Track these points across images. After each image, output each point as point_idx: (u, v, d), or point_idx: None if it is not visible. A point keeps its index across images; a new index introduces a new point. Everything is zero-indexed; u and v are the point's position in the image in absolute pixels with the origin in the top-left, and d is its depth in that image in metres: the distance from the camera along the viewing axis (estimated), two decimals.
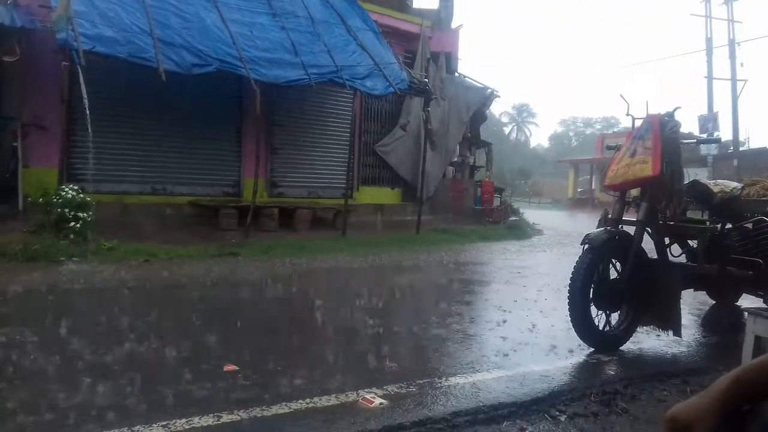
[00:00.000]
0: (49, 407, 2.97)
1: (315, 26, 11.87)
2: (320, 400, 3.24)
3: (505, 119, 73.92)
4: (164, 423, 2.84)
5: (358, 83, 11.45)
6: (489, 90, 17.76)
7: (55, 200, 8.44)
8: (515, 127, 76.15)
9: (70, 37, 8.42)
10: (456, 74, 17.50)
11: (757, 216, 5.35)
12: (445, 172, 16.59)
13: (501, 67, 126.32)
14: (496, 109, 63.32)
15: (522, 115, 74.98)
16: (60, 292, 6.04)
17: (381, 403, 3.19)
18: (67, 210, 8.37)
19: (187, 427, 2.83)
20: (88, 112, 8.37)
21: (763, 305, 5.10)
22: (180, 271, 7.41)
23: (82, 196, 8.63)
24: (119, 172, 11.02)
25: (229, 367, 3.68)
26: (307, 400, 3.21)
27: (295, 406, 3.14)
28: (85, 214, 8.49)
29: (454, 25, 18.02)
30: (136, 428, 2.77)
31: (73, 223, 8.34)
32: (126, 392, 3.23)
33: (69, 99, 9.16)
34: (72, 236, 8.26)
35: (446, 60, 16.60)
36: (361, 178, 14.90)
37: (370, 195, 14.92)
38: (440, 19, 17.32)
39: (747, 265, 5.24)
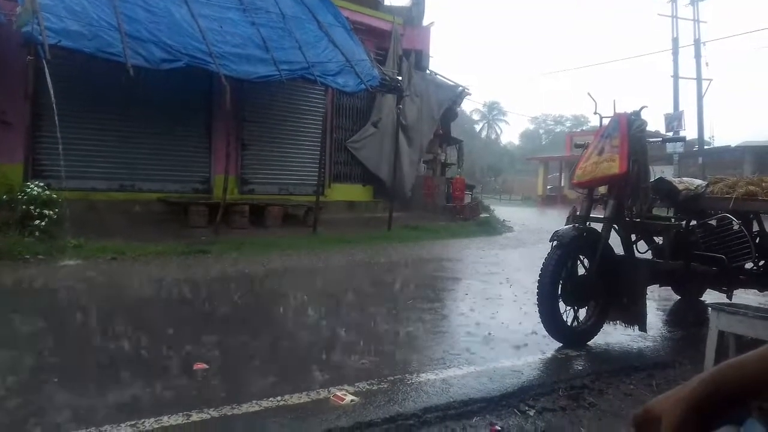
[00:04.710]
0: (17, 406, 2.92)
1: (286, 22, 11.80)
2: (291, 397, 3.23)
3: (476, 117, 74.19)
4: (133, 422, 2.80)
5: (329, 80, 11.41)
6: (460, 88, 17.90)
7: (19, 197, 8.28)
8: (486, 125, 76.54)
9: (36, 32, 8.24)
10: (427, 72, 17.55)
11: (721, 213, 5.47)
12: (417, 169, 16.65)
13: (472, 65, 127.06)
14: (466, 106, 63.71)
15: (492, 112, 75.25)
16: (22, 290, 5.93)
17: (352, 400, 3.20)
18: (32, 207, 8.23)
19: (156, 426, 2.80)
20: (54, 107, 8.22)
21: (727, 300, 5.23)
22: (147, 269, 7.33)
23: (48, 192, 8.48)
24: (86, 169, 10.83)
25: (199, 365, 3.65)
26: (278, 398, 3.20)
27: (265, 404, 3.12)
28: (51, 212, 8.34)
29: (425, 22, 18.07)
30: (104, 428, 2.73)
31: (38, 221, 8.19)
32: (93, 391, 3.18)
33: (34, 94, 8.98)
34: (37, 234, 8.11)
35: (418, 57, 16.64)
36: (332, 175, 14.86)
37: (342, 192, 14.90)
38: (412, 16, 17.34)
39: (711, 261, 5.37)
